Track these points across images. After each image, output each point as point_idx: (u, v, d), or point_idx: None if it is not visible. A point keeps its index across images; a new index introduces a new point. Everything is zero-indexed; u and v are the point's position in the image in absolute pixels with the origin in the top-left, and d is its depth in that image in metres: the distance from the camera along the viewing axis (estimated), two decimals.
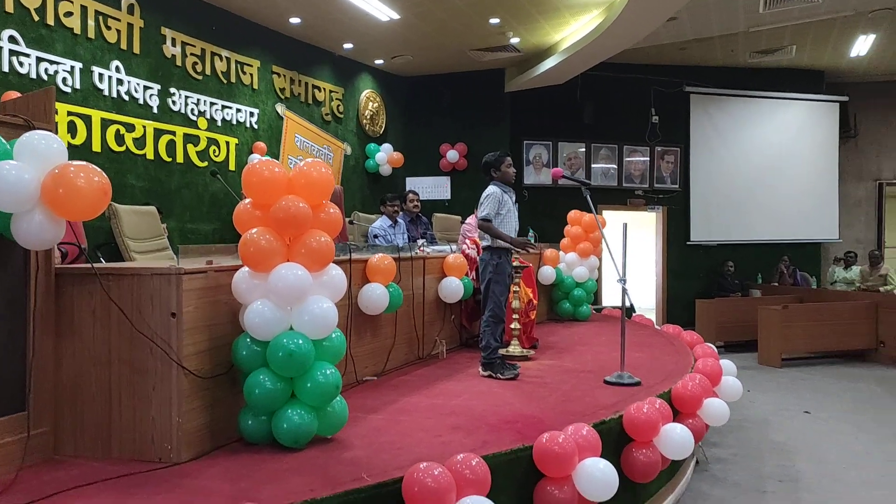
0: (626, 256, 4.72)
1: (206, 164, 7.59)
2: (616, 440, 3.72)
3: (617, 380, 4.61)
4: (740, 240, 11.90)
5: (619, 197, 11.39)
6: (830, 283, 11.28)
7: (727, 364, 5.44)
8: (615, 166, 11.35)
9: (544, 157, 11.05)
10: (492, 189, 4.94)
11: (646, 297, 11.66)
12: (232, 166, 7.96)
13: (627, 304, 4.77)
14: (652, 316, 10.83)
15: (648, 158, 11.53)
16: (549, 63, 9.71)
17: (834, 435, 5.88)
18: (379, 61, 10.23)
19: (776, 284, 11.55)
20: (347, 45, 9.40)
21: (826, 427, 6.14)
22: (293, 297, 3.06)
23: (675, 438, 3.75)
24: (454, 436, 3.39)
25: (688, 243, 11.67)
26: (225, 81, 7.94)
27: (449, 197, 10.76)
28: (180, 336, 2.98)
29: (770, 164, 11.99)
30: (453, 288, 5.72)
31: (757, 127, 11.99)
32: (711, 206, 11.74)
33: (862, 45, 10.58)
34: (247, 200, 3.22)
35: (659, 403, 3.91)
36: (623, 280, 4.67)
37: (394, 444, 3.25)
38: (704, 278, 11.65)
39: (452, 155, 10.65)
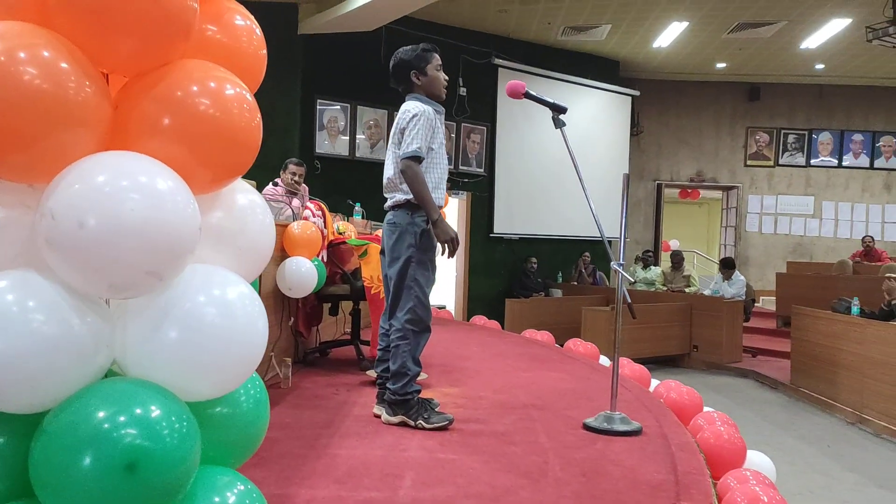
0: (625, 224, 3.07)
1: None
2: None
3: (606, 425, 2.89)
4: (541, 234, 10.89)
5: None
6: (630, 284, 10.73)
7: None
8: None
9: (341, 122, 9.01)
10: (419, 106, 2.90)
11: (445, 295, 10.16)
12: None
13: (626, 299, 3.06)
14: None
15: (454, 136, 10.03)
16: (357, 1, 7.77)
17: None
18: None
19: (575, 284, 10.75)
20: None
21: None
22: (132, 266, 0.87)
23: None
24: None
25: (491, 235, 10.38)
26: None
27: None
28: None
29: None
30: (303, 274, 3.58)
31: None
32: (514, 196, 10.56)
33: (669, 35, 10.15)
34: None
35: (752, 475, 2.26)
36: (620, 264, 2.98)
37: None
38: (507, 275, 10.47)
39: None
